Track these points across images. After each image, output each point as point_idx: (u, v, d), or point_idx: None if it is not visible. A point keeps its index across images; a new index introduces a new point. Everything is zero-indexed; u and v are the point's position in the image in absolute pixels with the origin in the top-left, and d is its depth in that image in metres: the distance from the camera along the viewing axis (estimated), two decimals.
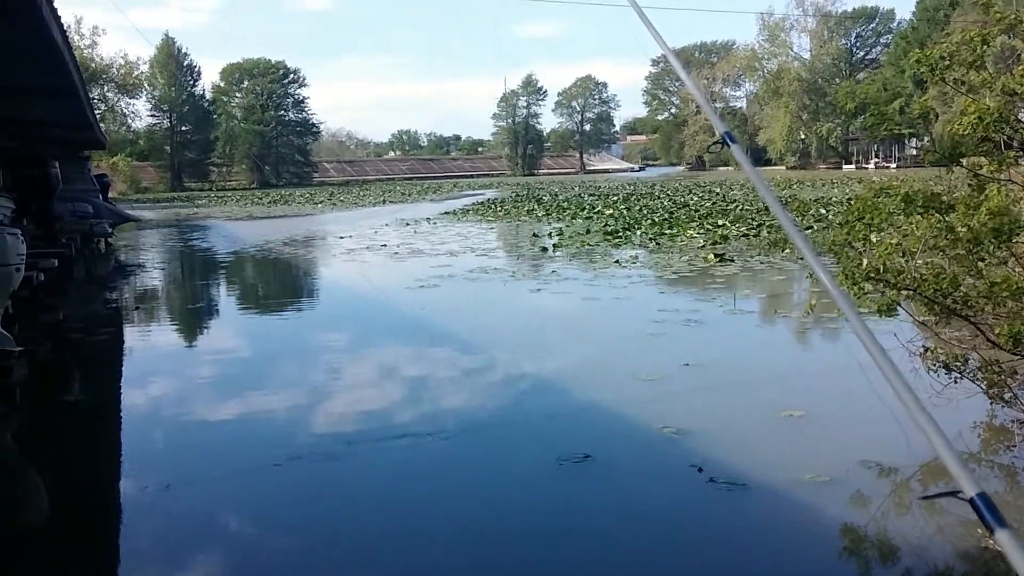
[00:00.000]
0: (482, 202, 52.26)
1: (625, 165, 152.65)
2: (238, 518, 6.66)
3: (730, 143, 3.26)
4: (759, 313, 14.39)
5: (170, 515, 6.70)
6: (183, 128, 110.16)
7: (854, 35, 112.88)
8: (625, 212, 36.64)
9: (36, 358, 12.33)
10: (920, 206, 6.27)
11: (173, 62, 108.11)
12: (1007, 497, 6.44)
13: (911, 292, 6.47)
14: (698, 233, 26.45)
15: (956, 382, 6.82)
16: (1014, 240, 6.25)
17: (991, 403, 7.26)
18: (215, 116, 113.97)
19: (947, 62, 6.63)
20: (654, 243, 24.73)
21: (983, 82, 6.70)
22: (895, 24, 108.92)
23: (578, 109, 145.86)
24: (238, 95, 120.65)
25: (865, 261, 6.46)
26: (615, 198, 48.43)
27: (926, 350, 6.95)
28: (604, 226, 30.22)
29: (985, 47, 6.36)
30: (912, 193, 6.36)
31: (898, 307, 6.83)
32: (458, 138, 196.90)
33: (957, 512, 5.57)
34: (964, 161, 6.88)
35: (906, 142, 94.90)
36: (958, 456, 1.93)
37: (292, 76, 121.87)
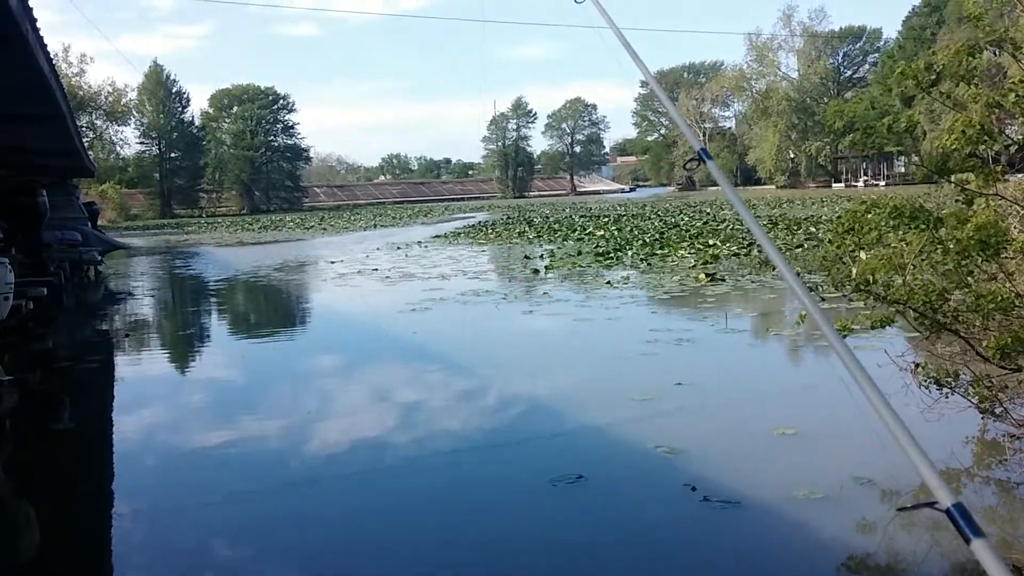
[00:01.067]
0: (473, 225, 52.36)
1: (615, 186, 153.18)
2: (230, 546, 6.59)
3: (706, 160, 3.28)
4: (751, 332, 14.38)
5: (162, 543, 6.64)
6: (172, 155, 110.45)
7: (841, 54, 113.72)
8: (616, 233, 36.72)
9: (25, 387, 12.24)
10: (908, 218, 6.27)
11: (162, 89, 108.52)
12: (1001, 511, 6.42)
13: (900, 305, 6.47)
14: (689, 253, 26.49)
15: (947, 397, 6.81)
16: (1001, 255, 6.26)
17: (983, 417, 7.25)
18: (204, 142, 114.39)
19: (933, 75, 6.66)
20: (645, 263, 24.75)
21: (970, 95, 6.72)
22: (882, 43, 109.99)
23: (568, 131, 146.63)
24: (227, 121, 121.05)
25: (855, 271, 6.45)
26: (606, 219, 48.54)
27: (917, 366, 6.94)
28: (595, 247, 30.28)
29: (972, 59, 6.38)
30: (900, 206, 6.37)
31: (893, 321, 6.84)
32: (448, 161, 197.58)
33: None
34: (952, 177, 6.88)
35: (894, 160, 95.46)
36: (934, 467, 1.92)
37: (281, 102, 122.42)
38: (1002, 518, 6.31)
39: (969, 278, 6.47)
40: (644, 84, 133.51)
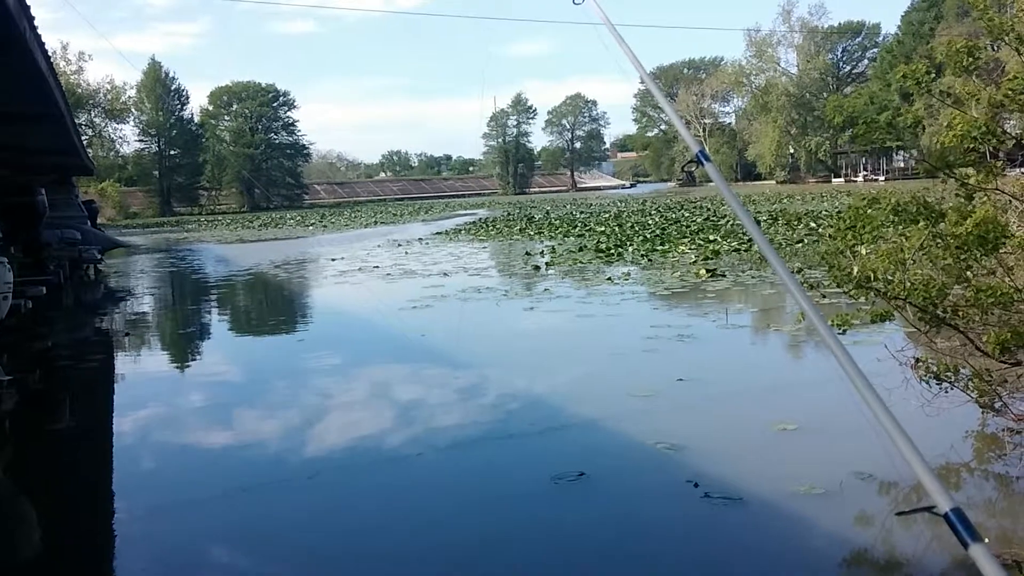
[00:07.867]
0: (474, 222, 52.32)
1: (616, 182, 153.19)
2: (227, 543, 6.59)
3: (704, 162, 3.26)
4: (751, 327, 14.37)
5: (161, 541, 6.63)
6: (171, 152, 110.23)
7: (840, 50, 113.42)
8: (617, 229, 36.68)
9: (25, 387, 12.24)
10: (911, 213, 6.26)
11: (160, 86, 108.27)
12: (1001, 506, 6.42)
13: (901, 301, 6.46)
14: (690, 249, 26.48)
15: (947, 392, 6.81)
16: (1000, 250, 6.25)
17: (983, 412, 7.26)
18: (203, 140, 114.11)
19: (933, 75, 6.65)
20: (646, 259, 24.74)
21: (971, 93, 6.71)
22: (881, 38, 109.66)
23: (568, 127, 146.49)
24: (227, 118, 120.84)
25: (856, 269, 6.44)
26: (606, 215, 48.51)
27: (917, 361, 6.93)
28: (596, 243, 30.24)
29: (972, 59, 6.36)
30: (902, 203, 6.36)
31: (893, 316, 6.83)
32: (449, 158, 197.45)
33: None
34: (954, 172, 6.87)
35: (894, 155, 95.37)
36: (932, 471, 1.92)
37: (282, 99, 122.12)
38: (1002, 512, 6.31)
39: (968, 273, 6.46)
40: (643, 80, 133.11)
